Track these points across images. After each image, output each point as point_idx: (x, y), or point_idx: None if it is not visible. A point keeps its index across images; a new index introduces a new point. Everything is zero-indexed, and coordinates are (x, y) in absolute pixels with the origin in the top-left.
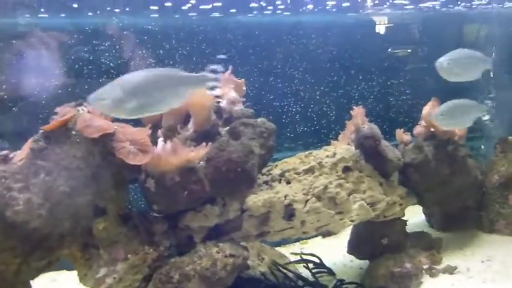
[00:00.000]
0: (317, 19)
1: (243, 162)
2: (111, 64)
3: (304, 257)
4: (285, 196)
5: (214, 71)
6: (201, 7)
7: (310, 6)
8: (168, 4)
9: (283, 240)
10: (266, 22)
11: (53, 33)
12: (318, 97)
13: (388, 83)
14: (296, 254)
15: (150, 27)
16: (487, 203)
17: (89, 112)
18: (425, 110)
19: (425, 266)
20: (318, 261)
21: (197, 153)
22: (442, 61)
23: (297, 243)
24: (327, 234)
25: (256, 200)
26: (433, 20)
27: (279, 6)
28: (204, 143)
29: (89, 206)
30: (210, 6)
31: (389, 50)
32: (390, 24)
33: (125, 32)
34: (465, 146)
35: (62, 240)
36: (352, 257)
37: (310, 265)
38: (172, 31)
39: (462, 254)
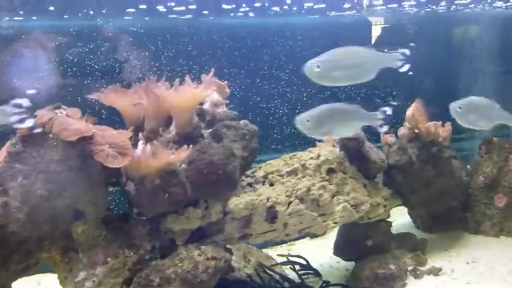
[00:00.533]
0: (303, 20)
1: (224, 164)
2: (95, 66)
3: (291, 258)
4: (267, 198)
5: (18, 106)
6: (177, 8)
7: (276, 9)
8: (143, 6)
9: (270, 242)
10: (252, 24)
11: (49, 35)
12: (305, 98)
13: (376, 83)
14: (283, 255)
15: (135, 29)
16: (473, 204)
17: (67, 115)
18: (409, 111)
19: (409, 268)
20: (304, 262)
21: (178, 156)
22: (311, 65)
23: (285, 245)
24: (314, 235)
25: (238, 202)
26: (423, 21)
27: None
28: (186, 146)
29: (67, 210)
30: (183, 8)
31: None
32: (378, 25)
33: (110, 34)
34: (450, 147)
35: (40, 244)
36: (339, 258)
37: (297, 267)
38: (159, 33)
39: (447, 255)
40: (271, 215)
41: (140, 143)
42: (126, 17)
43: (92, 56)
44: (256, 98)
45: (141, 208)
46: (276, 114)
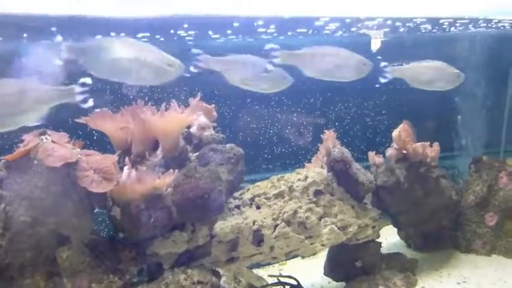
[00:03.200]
0: (297, 40)
1: (210, 188)
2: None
3: (282, 279)
4: (254, 222)
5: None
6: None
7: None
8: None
9: (262, 262)
10: (239, 44)
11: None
12: (295, 118)
13: (365, 103)
14: (274, 276)
15: None
16: (464, 222)
17: (53, 141)
18: (395, 132)
19: None
20: (295, 283)
21: (163, 181)
22: None
23: (276, 265)
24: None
25: (223, 226)
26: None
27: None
28: (171, 170)
29: (51, 235)
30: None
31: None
32: (378, 39)
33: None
34: (438, 167)
35: (22, 271)
36: (330, 279)
37: (287, 287)
38: None
39: (438, 275)
40: (258, 238)
41: (125, 168)
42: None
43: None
44: (247, 118)
45: (126, 233)
46: (267, 134)
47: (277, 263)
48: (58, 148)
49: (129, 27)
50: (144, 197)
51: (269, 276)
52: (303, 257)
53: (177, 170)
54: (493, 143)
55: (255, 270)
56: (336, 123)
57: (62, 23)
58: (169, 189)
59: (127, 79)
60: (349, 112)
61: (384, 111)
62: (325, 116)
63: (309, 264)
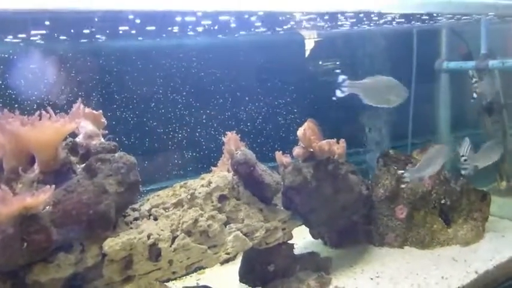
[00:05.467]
0: (198, 42)
1: (95, 203)
2: None
3: None
4: (149, 235)
5: None
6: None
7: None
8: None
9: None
10: (143, 46)
11: None
12: (204, 121)
13: (276, 102)
14: (188, 287)
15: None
16: (376, 216)
17: None
18: (300, 130)
19: None
20: None
21: (36, 199)
22: None
23: (194, 274)
24: (225, 261)
25: (113, 243)
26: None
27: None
28: (48, 186)
29: None
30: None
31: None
32: (311, 39)
33: None
34: (346, 163)
35: None
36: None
37: None
38: (36, 57)
39: (352, 272)
40: (155, 253)
41: None
42: None
43: None
44: (153, 123)
45: None
46: (175, 138)
47: (200, 269)
48: None
49: None
50: (13, 219)
51: None
52: (222, 264)
53: (53, 186)
54: (400, 137)
55: (171, 283)
56: (248, 124)
57: None
58: (48, 207)
59: None
60: (260, 112)
61: (295, 110)
62: (236, 116)
63: (228, 270)
